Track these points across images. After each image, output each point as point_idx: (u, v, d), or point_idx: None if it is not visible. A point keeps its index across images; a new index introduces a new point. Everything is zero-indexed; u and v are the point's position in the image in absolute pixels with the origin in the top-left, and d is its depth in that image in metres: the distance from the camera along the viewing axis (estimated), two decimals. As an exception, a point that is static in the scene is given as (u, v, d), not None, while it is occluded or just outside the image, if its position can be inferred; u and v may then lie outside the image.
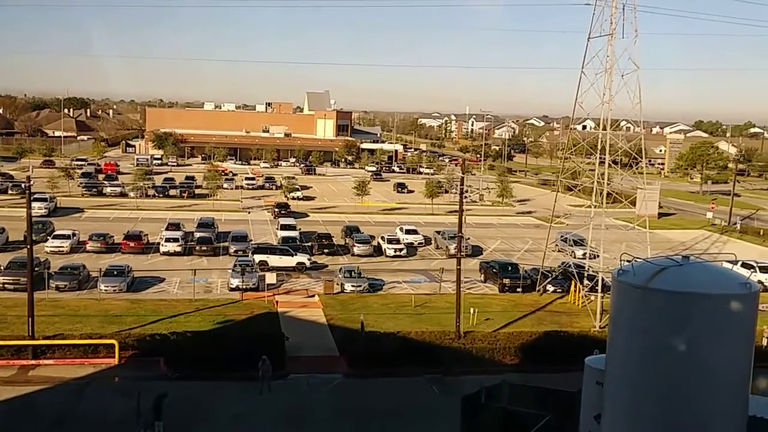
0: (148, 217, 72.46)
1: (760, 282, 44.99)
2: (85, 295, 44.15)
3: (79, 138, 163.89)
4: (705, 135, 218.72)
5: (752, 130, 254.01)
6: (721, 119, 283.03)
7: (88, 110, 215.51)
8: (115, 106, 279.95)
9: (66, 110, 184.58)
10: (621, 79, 41.88)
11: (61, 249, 54.60)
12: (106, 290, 44.15)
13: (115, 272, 46.10)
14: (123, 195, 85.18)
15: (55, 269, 46.73)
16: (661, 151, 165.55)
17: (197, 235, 59.60)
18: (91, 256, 53.68)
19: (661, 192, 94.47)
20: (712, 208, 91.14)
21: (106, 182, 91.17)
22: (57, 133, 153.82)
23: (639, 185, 53.80)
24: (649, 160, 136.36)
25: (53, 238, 56.34)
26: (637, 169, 52.49)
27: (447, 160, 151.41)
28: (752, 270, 50.28)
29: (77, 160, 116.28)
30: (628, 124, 57.27)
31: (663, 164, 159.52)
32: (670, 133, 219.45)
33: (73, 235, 57.33)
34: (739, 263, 48.15)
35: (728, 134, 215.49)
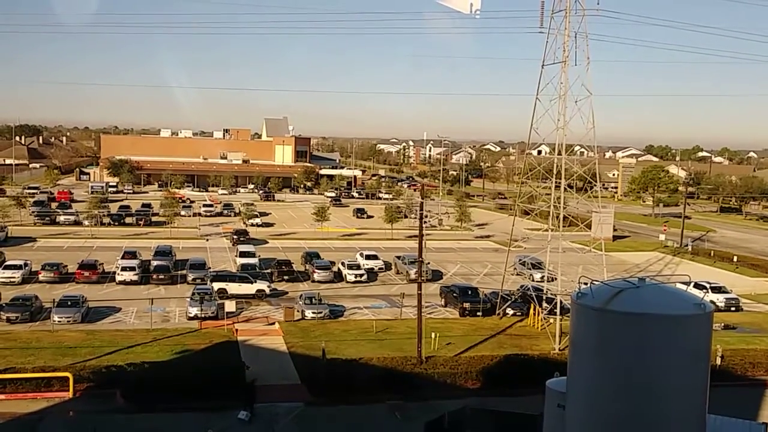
0: (103, 245, 71.10)
1: (712, 302, 46.15)
2: (38, 327, 42.98)
3: (31, 166, 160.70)
4: (656, 159, 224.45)
5: (700, 154, 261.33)
6: (671, 144, 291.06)
7: (41, 137, 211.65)
8: (68, 133, 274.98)
9: (17, 138, 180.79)
10: (575, 105, 42.88)
11: (12, 280, 53.21)
12: (59, 321, 43.05)
13: (69, 303, 45.00)
14: (77, 223, 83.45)
15: (6, 301, 45.52)
16: (614, 175, 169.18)
17: (154, 263, 58.63)
18: (44, 287, 52.37)
19: (615, 215, 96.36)
20: (665, 230, 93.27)
21: (59, 210, 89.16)
22: (8, 161, 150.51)
23: (594, 209, 54.87)
24: (603, 184, 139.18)
25: (4, 268, 54.85)
26: (591, 193, 53.53)
27: (406, 186, 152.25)
28: (705, 291, 51.39)
29: (29, 188, 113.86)
30: (582, 149, 58.47)
31: (616, 188, 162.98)
32: (623, 157, 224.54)
33: (25, 265, 55.92)
34: (692, 284, 49.21)
35: (678, 158, 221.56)
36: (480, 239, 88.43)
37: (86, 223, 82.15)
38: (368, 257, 64.96)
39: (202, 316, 45.20)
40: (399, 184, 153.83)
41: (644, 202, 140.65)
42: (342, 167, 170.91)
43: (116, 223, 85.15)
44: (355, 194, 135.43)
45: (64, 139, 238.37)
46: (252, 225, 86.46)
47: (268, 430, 30.42)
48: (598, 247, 49.74)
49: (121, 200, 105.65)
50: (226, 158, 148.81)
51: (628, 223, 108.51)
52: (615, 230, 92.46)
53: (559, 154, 43.91)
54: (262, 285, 53.03)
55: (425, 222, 45.74)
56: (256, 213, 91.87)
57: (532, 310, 48.17)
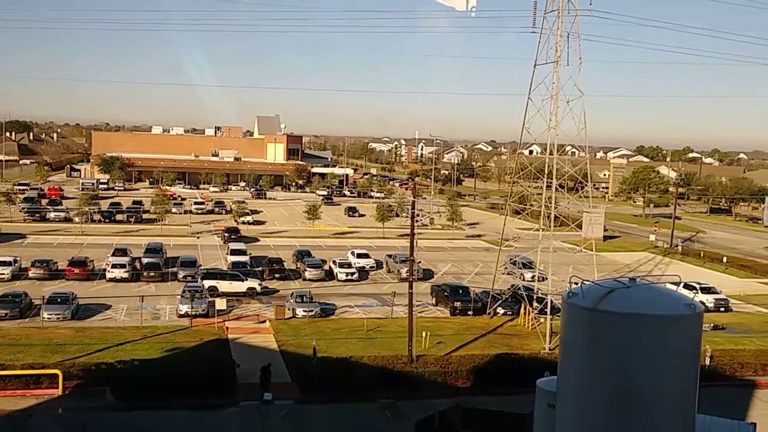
0: (93, 242, 70.81)
1: (702, 303, 46.41)
2: (27, 324, 42.76)
3: (21, 162, 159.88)
4: (646, 160, 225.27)
5: (691, 155, 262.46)
6: (662, 144, 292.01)
7: (31, 134, 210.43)
8: (59, 130, 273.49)
9: (7, 133, 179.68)
10: (566, 105, 42.93)
11: (1, 276, 53.01)
12: (49, 318, 42.84)
13: (59, 300, 44.79)
14: (67, 220, 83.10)
15: (-5, 297, 45.22)
16: (605, 175, 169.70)
17: (145, 260, 58.42)
18: (34, 283, 52.11)
19: (606, 215, 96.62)
20: (655, 230, 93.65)
21: (49, 207, 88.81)
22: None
23: (585, 209, 54.94)
24: (594, 184, 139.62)
25: (-7, 265, 54.57)
26: (582, 192, 53.71)
27: (397, 184, 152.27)
28: (695, 291, 51.64)
29: (19, 184, 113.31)
30: (574, 149, 58.65)
31: (607, 188, 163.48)
32: (614, 157, 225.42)
33: (15, 261, 55.63)
34: (682, 285, 49.42)
35: (668, 159, 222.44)
36: (471, 238, 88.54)
37: (76, 219, 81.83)
38: (359, 256, 64.94)
39: (193, 313, 45.07)
40: (391, 182, 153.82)
41: (635, 202, 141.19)
42: (334, 165, 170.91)
43: (107, 220, 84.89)
44: (347, 193, 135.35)
45: (55, 135, 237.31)
46: (243, 223, 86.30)
47: (258, 428, 30.40)
48: (588, 247, 49.91)
49: (112, 197, 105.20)
50: (217, 156, 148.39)
51: (618, 224, 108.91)
52: (605, 230, 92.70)
53: (551, 153, 44.01)
54: (253, 283, 52.93)
55: (417, 221, 45.81)
56: (247, 211, 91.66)
57: (522, 310, 48.28)
